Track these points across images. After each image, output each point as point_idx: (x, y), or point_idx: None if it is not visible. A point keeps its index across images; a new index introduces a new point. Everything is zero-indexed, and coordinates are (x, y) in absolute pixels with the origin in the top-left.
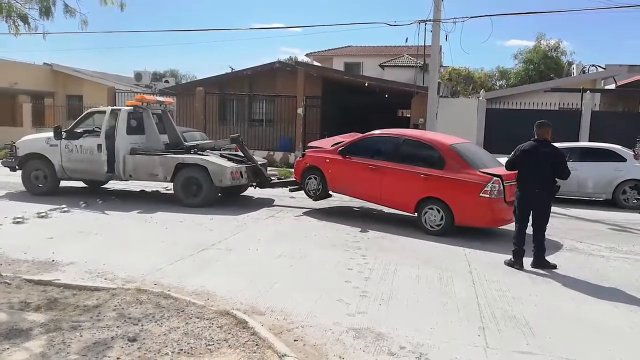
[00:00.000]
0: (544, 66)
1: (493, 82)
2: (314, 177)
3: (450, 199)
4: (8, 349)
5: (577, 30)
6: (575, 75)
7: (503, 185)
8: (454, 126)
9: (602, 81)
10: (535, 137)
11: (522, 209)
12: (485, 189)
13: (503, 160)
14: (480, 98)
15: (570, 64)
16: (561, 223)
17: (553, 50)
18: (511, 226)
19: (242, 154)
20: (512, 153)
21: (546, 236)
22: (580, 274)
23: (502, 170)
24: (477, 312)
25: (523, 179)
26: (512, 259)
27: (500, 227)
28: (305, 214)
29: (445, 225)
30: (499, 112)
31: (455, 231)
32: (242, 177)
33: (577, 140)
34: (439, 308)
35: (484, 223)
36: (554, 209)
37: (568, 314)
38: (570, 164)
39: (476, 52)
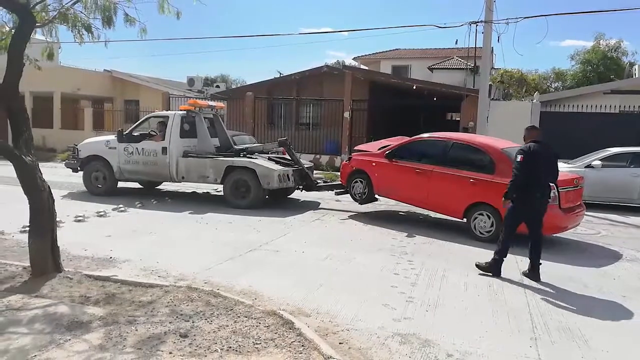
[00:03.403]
0: (603, 67)
1: (548, 84)
2: (360, 181)
3: (501, 205)
4: (69, 340)
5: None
6: (637, 76)
7: (558, 191)
8: (505, 130)
9: None
10: (531, 139)
11: (521, 217)
12: None
13: (558, 165)
14: (534, 101)
15: (631, 64)
16: (620, 232)
17: (613, 51)
18: (565, 234)
19: (289, 157)
20: (521, 159)
21: (604, 245)
22: None
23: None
24: (529, 322)
25: (529, 185)
26: (491, 266)
27: (554, 235)
28: (350, 217)
29: (496, 231)
30: (554, 115)
31: None
32: (289, 179)
33: (639, 145)
34: (488, 316)
35: None
36: (613, 217)
37: (627, 327)
38: (632, 170)
39: (530, 54)
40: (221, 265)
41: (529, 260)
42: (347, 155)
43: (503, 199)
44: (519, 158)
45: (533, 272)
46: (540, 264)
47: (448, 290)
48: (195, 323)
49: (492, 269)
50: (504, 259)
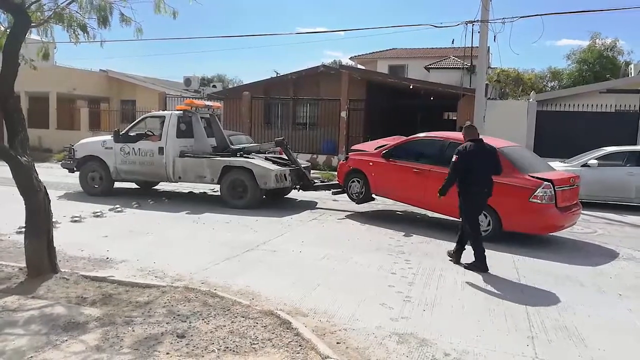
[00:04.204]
0: (599, 66)
1: (544, 83)
2: (357, 180)
3: (498, 204)
4: (66, 340)
5: (635, 28)
6: (633, 75)
7: (554, 190)
8: (502, 129)
9: None
10: (469, 138)
11: (475, 211)
12: (535, 194)
13: (555, 164)
14: (531, 100)
15: (627, 63)
16: (617, 230)
17: (609, 50)
18: (562, 233)
19: (286, 157)
20: (455, 159)
21: (601, 244)
22: (637, 284)
23: (553, 175)
24: (526, 320)
25: (472, 182)
26: (476, 265)
27: (551, 234)
28: (348, 217)
29: (493, 230)
30: (550, 115)
31: (504, 237)
32: (286, 179)
33: (634, 144)
34: (485, 315)
35: (534, 229)
36: (610, 215)
37: (624, 325)
38: (627, 169)
39: (526, 53)
40: (218, 265)
41: (455, 243)
42: (344, 154)
43: (438, 194)
44: (454, 158)
45: (456, 254)
46: (465, 249)
47: (445, 290)
48: (192, 323)
49: (479, 266)
50: (484, 254)
